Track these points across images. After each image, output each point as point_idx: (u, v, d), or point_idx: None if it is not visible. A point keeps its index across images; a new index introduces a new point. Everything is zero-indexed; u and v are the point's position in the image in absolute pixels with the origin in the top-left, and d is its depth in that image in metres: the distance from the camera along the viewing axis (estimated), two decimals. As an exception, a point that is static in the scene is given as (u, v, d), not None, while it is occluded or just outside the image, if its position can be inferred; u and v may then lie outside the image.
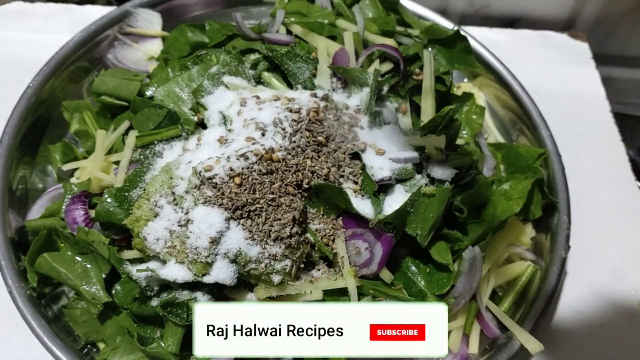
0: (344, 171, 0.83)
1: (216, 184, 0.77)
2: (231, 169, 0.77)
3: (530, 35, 1.38)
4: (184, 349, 0.80)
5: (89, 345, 0.87)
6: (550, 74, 1.30)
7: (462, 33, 1.05)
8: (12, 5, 1.27)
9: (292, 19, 1.04)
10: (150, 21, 1.12)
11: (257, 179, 0.77)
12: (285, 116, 0.84)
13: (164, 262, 0.79)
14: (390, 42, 1.00)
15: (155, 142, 0.89)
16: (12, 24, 1.23)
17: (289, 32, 1.03)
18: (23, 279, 0.84)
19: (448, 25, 1.13)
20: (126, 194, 0.84)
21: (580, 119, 1.24)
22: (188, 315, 0.78)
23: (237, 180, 0.76)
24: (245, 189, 0.76)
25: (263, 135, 0.82)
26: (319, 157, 0.82)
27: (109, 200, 0.83)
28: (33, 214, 0.94)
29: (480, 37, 1.17)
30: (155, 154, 0.89)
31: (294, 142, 0.82)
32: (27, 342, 0.84)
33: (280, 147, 0.80)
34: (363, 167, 0.83)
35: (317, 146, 0.83)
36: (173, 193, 0.79)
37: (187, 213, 0.77)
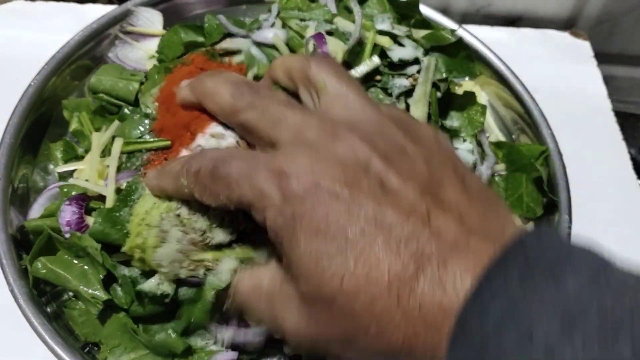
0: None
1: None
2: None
3: (532, 34, 1.37)
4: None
5: (90, 344, 0.87)
6: (552, 73, 1.30)
7: (464, 35, 1.04)
8: (13, 4, 1.26)
9: (289, 14, 1.03)
10: (151, 20, 1.12)
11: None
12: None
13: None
14: (385, 40, 1.00)
15: (143, 150, 0.85)
16: (12, 22, 1.23)
17: (284, 27, 1.02)
18: (24, 277, 0.84)
19: (449, 24, 1.13)
20: (117, 214, 0.78)
21: (581, 118, 1.24)
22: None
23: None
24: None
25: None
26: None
27: (100, 221, 0.78)
28: (34, 213, 0.93)
29: (481, 36, 1.17)
30: (143, 163, 0.83)
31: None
32: (28, 341, 0.84)
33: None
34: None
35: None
36: (178, 216, 0.72)
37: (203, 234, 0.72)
